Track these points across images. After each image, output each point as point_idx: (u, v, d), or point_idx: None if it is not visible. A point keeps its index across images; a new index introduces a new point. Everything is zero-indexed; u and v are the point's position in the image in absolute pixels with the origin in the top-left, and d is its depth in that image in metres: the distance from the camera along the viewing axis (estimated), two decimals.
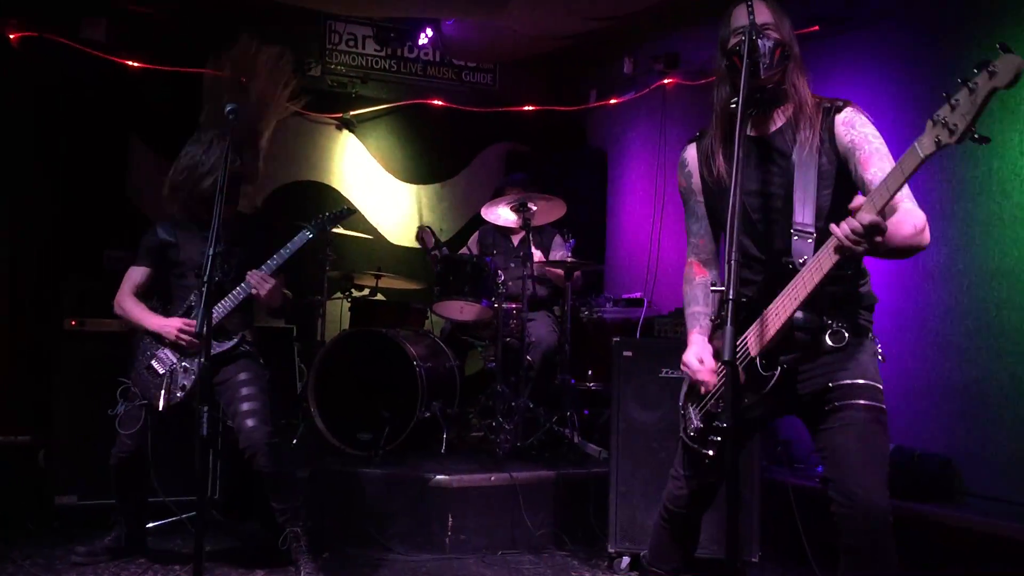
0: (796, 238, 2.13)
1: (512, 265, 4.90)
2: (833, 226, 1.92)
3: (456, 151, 6.85)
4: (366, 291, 5.34)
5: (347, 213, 3.69)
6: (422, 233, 4.90)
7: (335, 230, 4.82)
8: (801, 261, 2.08)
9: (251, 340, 3.47)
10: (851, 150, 2.16)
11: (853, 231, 1.87)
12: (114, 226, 5.21)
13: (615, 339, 3.75)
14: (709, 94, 2.36)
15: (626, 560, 3.58)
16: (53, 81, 5.38)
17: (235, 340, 3.38)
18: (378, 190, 6.60)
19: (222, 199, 2.68)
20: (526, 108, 6.74)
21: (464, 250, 5.40)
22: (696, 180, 2.43)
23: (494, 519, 3.85)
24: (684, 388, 2.40)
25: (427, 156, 6.74)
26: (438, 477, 3.82)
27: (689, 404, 2.35)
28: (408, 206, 6.70)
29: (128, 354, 3.48)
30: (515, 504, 3.86)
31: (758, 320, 2.13)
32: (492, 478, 3.90)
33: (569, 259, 4.72)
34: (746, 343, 2.16)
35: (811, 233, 2.12)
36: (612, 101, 6.44)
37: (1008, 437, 3.53)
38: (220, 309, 3.30)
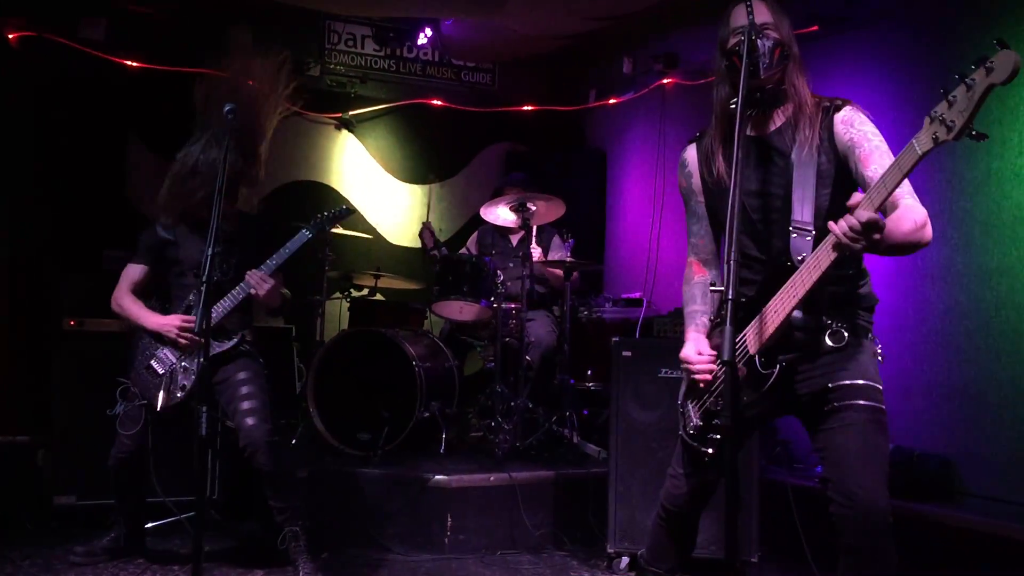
0: (794, 236, 2.13)
1: (511, 265, 4.90)
2: (831, 223, 1.92)
3: (455, 151, 6.84)
4: (365, 291, 5.33)
5: (346, 213, 3.69)
6: (424, 231, 4.90)
7: (334, 230, 4.82)
8: (799, 259, 2.08)
9: (251, 339, 3.47)
10: (851, 148, 2.15)
11: (851, 228, 1.87)
12: (113, 226, 5.19)
13: (614, 339, 3.75)
14: (708, 94, 2.36)
15: (625, 560, 3.58)
16: (52, 81, 5.38)
17: (235, 340, 3.38)
18: (377, 190, 6.59)
19: (220, 199, 2.68)
20: (525, 108, 6.73)
21: (463, 250, 5.40)
22: (696, 180, 2.43)
23: (493, 519, 3.85)
24: (683, 386, 2.40)
25: (426, 156, 6.73)
26: (437, 477, 3.82)
27: (688, 402, 2.35)
28: (407, 206, 6.69)
29: (127, 354, 3.47)
30: (514, 504, 3.86)
31: (757, 318, 2.13)
32: (491, 478, 3.90)
33: (568, 259, 4.72)
34: (745, 341, 2.16)
35: (810, 231, 2.12)
36: (611, 101, 6.44)
37: (1008, 437, 3.53)
38: (220, 309, 3.29)
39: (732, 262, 1.90)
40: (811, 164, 2.18)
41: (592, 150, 6.78)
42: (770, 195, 2.25)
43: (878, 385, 2.16)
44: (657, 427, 3.55)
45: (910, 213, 2.04)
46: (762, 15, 2.21)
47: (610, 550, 3.60)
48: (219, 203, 2.66)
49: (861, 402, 2.12)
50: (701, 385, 2.26)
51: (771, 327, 2.09)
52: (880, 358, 2.23)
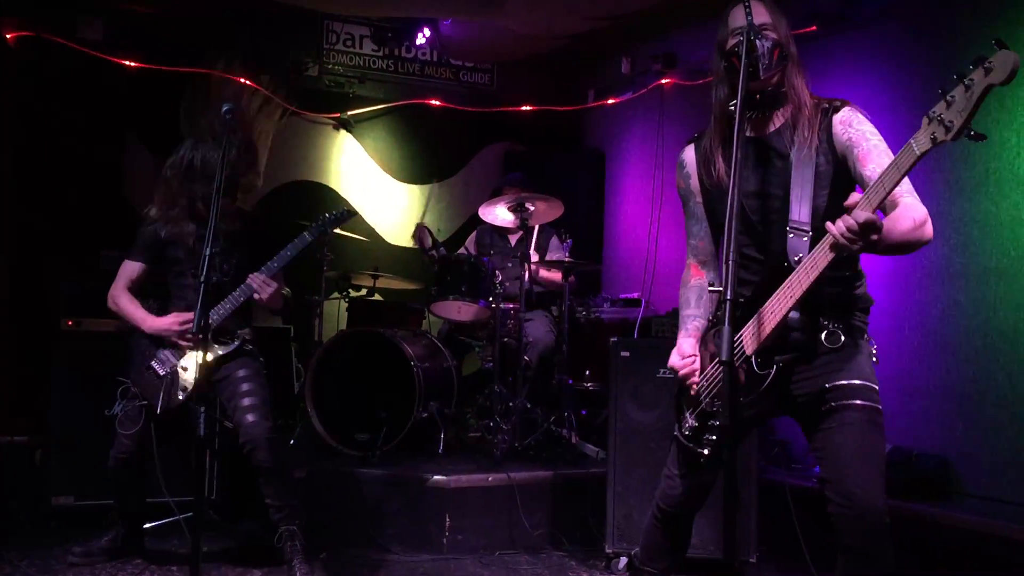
0: (792, 236, 2.13)
1: (509, 265, 4.90)
2: (829, 224, 1.91)
3: (454, 151, 6.84)
4: (363, 291, 5.33)
5: (347, 216, 3.66)
6: (419, 232, 4.89)
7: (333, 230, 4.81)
8: (797, 259, 2.08)
9: (251, 338, 3.46)
10: (849, 147, 2.15)
11: (848, 229, 1.86)
12: (111, 226, 5.18)
13: (613, 339, 3.75)
14: (707, 94, 2.36)
15: (623, 560, 3.57)
16: (50, 81, 5.37)
17: (237, 342, 3.37)
18: (375, 190, 6.59)
19: (219, 199, 2.67)
20: (524, 108, 6.73)
21: (462, 250, 5.39)
22: (695, 181, 2.43)
23: (491, 519, 3.85)
24: (676, 388, 2.40)
25: (425, 156, 6.74)
26: (435, 477, 3.82)
27: (683, 403, 2.35)
28: (406, 206, 6.69)
29: (125, 353, 3.46)
30: (512, 504, 3.85)
31: (754, 318, 2.13)
32: (489, 478, 3.90)
33: (567, 260, 4.72)
34: (742, 341, 2.16)
35: (807, 232, 2.12)
36: (610, 101, 6.44)
37: (1005, 437, 3.54)
38: (221, 311, 3.28)
39: (731, 262, 1.90)
40: (810, 165, 2.17)
41: (591, 150, 6.78)
42: (769, 196, 2.25)
43: (874, 385, 2.16)
44: (655, 427, 3.56)
45: (909, 212, 2.03)
46: (760, 16, 2.20)
47: (608, 550, 3.59)
48: (217, 202, 2.66)
49: (858, 402, 2.12)
50: (692, 392, 2.27)
51: (768, 327, 2.09)
52: (875, 359, 2.23)
